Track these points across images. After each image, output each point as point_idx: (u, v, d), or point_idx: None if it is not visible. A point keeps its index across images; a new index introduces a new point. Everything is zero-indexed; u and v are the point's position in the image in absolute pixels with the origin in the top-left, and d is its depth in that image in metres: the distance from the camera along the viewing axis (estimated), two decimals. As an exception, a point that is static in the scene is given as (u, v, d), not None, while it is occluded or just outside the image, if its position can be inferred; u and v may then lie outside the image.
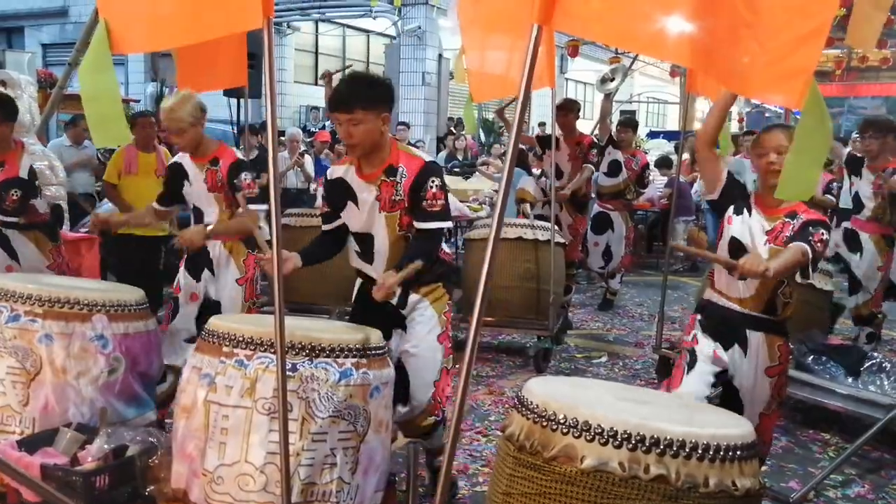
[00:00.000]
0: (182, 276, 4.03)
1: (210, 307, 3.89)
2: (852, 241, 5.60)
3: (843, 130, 41.55)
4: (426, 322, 3.13)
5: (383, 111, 2.99)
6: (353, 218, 3.15)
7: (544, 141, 6.60)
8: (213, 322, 2.74)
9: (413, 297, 3.13)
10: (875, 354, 4.97)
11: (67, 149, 7.98)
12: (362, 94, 2.98)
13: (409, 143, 11.71)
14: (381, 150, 3.05)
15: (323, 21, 20.48)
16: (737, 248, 2.93)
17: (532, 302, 5.74)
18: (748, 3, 1.69)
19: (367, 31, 21.70)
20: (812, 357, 4.74)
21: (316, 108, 18.41)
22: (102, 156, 8.06)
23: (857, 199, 5.51)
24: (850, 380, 4.59)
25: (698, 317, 3.11)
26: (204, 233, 3.84)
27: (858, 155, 5.63)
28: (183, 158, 3.98)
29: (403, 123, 12.30)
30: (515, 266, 5.72)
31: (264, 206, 3.85)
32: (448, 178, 10.88)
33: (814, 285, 4.80)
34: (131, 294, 3.38)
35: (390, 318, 3.12)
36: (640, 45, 1.92)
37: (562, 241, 6.02)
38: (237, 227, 3.90)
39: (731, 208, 3.01)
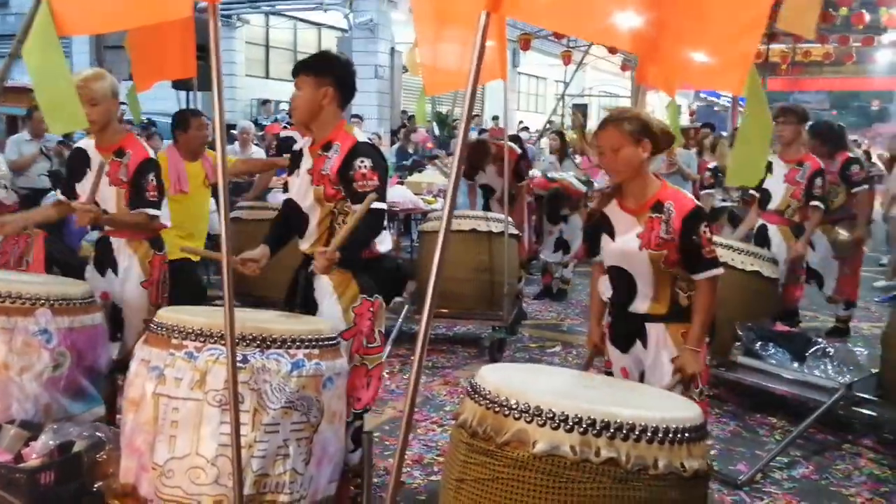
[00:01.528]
0: (89, 273, 3.79)
1: (113, 311, 3.66)
2: (761, 235, 5.49)
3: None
4: (328, 319, 2.98)
5: (324, 84, 3.01)
6: (293, 189, 3.17)
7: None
8: (162, 314, 2.69)
9: (324, 284, 3.05)
10: (819, 340, 5.08)
11: (27, 143, 7.76)
12: (307, 62, 3.13)
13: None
14: (324, 124, 3.07)
15: (273, 14, 20.29)
16: (618, 273, 2.88)
17: (486, 293, 5.76)
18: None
19: (318, 25, 21.57)
20: (759, 343, 4.83)
21: (267, 101, 18.24)
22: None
23: (765, 192, 5.41)
24: (795, 365, 4.70)
25: (607, 321, 3.02)
26: (96, 211, 3.48)
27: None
28: (87, 145, 3.72)
29: (357, 116, 12.23)
30: (469, 258, 5.74)
31: (160, 212, 3.67)
32: (401, 172, 10.95)
33: (761, 273, 4.90)
34: (76, 287, 3.30)
35: (309, 303, 3.09)
36: (588, 32, 1.94)
37: (515, 233, 6.05)
38: (128, 220, 3.65)
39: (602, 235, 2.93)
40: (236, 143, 9.66)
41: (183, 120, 4.96)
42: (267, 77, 21.15)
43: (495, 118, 20.02)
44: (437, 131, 16.08)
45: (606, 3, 1.79)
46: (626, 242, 2.81)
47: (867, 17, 13.65)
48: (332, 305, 3.04)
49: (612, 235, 2.87)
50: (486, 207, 6.88)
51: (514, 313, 6.08)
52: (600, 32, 1.83)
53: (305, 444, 2.57)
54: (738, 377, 4.86)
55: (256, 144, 10.10)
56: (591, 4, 1.80)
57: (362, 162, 2.96)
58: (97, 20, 2.16)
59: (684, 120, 29.11)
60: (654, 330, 2.83)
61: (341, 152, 3.01)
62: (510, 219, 5.87)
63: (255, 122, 17.20)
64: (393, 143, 14.37)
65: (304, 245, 3.16)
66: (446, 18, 4.79)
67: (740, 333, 4.86)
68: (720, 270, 2.80)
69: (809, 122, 5.67)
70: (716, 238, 5.19)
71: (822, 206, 5.33)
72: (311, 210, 3.10)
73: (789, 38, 17.50)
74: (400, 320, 5.65)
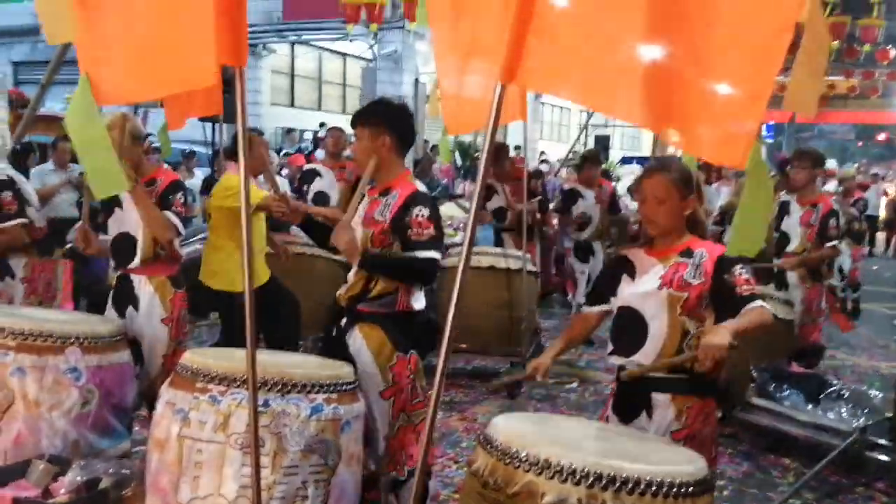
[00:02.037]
0: (108, 311, 3.86)
1: (131, 347, 3.68)
2: (779, 277, 5.50)
3: (814, 153, 41.73)
4: (367, 379, 3.02)
5: (380, 133, 3.06)
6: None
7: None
8: (188, 357, 2.80)
9: (358, 341, 3.08)
10: (834, 382, 5.12)
11: (51, 173, 7.94)
12: (363, 112, 3.21)
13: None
14: (385, 172, 3.11)
15: (299, 43, 20.62)
16: (629, 315, 2.70)
17: (505, 329, 5.84)
18: (697, 69, 1.81)
19: (343, 54, 21.89)
20: (774, 385, 4.87)
21: (292, 130, 18.51)
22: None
23: (783, 235, 5.45)
24: (809, 407, 4.73)
25: (613, 387, 2.87)
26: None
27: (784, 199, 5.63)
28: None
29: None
30: (488, 294, 5.82)
31: (182, 227, 3.78)
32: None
33: (775, 314, 4.93)
34: (105, 325, 3.42)
35: (343, 350, 3.12)
36: (599, 103, 2.03)
37: (534, 269, 6.12)
38: (153, 211, 3.68)
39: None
40: (260, 175, 9.86)
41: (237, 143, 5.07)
42: (292, 106, 21.46)
43: (517, 148, 20.19)
44: (459, 162, 16.22)
45: (616, 75, 1.88)
46: (646, 282, 2.68)
47: (892, 53, 13.67)
48: (369, 363, 3.06)
49: (632, 276, 2.74)
50: (498, 238, 6.93)
51: (533, 349, 6.14)
52: (611, 104, 1.92)
53: (323, 487, 2.65)
54: (753, 418, 4.89)
55: (279, 174, 10.27)
56: (602, 78, 1.89)
57: (420, 210, 2.98)
58: (132, 90, 2.29)
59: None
60: (662, 403, 2.63)
61: (399, 199, 3.03)
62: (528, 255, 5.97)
63: (279, 151, 17.50)
64: (415, 173, 14.56)
65: (342, 291, 3.18)
66: (468, 55, 4.90)
67: (755, 374, 4.90)
68: (761, 304, 2.56)
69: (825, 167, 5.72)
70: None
71: (835, 245, 5.37)
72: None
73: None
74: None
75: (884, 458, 4.39)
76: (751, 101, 1.78)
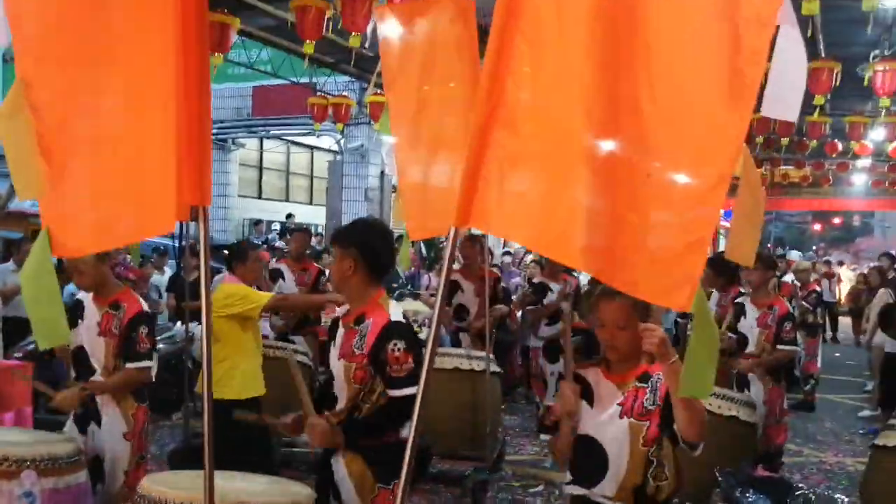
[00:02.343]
0: (68, 428, 3.83)
1: (93, 463, 3.65)
2: (739, 379, 5.58)
3: (773, 237, 42.97)
4: None
5: (349, 255, 2.96)
6: (331, 360, 3.06)
7: None
8: (145, 486, 2.74)
9: (342, 471, 2.96)
10: (801, 486, 5.11)
11: (12, 274, 7.89)
12: (336, 233, 3.13)
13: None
14: (355, 295, 3.00)
15: (268, 138, 20.94)
16: (588, 444, 2.65)
17: (468, 432, 5.78)
18: (640, 216, 1.89)
19: (311, 147, 22.23)
20: (739, 490, 4.85)
21: (259, 221, 18.60)
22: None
23: (742, 336, 5.57)
24: (776, 512, 4.71)
25: None
26: (79, 395, 3.67)
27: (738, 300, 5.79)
28: (85, 297, 3.88)
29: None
30: (452, 396, 5.79)
31: (151, 363, 3.76)
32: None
33: (738, 417, 4.97)
34: (63, 446, 3.35)
35: (330, 483, 3.01)
36: (548, 248, 2.10)
37: (497, 370, 6.12)
38: (118, 383, 3.74)
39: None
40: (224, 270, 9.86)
41: (241, 252, 5.08)
42: (260, 197, 21.63)
43: (484, 236, 20.41)
44: (424, 252, 16.35)
45: (563, 221, 1.96)
46: (605, 410, 2.62)
47: (839, 145, 14.23)
48: (352, 496, 2.95)
49: (590, 402, 2.67)
50: (455, 336, 6.81)
51: (497, 451, 6.08)
52: (558, 250, 1.99)
53: None
54: (719, 525, 4.86)
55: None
56: (549, 223, 1.97)
57: (395, 344, 2.84)
58: (89, 241, 2.32)
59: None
60: None
61: (373, 330, 2.89)
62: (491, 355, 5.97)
63: (247, 242, 17.55)
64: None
65: (329, 414, 3.01)
66: (432, 152, 4.99)
67: (720, 479, 4.88)
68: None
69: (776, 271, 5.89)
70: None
71: (790, 349, 5.47)
72: (340, 389, 3.00)
73: (767, 161, 18.20)
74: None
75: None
76: (694, 246, 1.86)
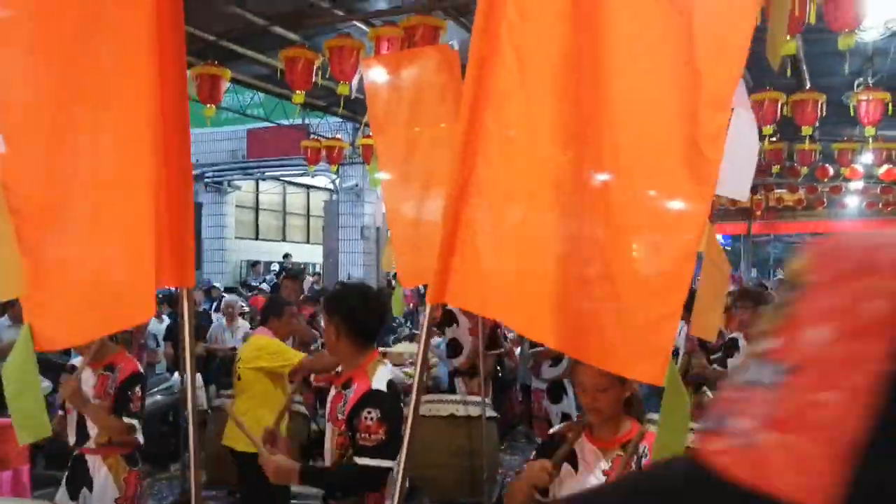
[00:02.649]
0: (60, 495, 3.83)
1: None
2: None
3: (773, 258, 42.91)
4: None
5: (332, 321, 2.99)
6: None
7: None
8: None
9: None
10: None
11: (8, 329, 7.90)
12: (326, 296, 3.25)
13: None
14: (345, 360, 3.04)
15: (264, 179, 21.05)
16: None
17: (466, 479, 5.77)
18: (612, 292, 1.92)
19: (307, 187, 22.34)
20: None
21: (256, 263, 18.63)
22: None
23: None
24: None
25: None
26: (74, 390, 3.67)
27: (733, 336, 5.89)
28: (79, 362, 3.89)
29: (340, 284, 12.48)
30: (449, 443, 5.79)
31: (137, 424, 3.78)
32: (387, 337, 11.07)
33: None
34: None
35: None
36: (521, 325, 2.12)
37: (494, 415, 6.12)
38: (109, 422, 3.73)
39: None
40: (223, 316, 9.86)
41: (277, 307, 5.10)
42: (257, 238, 21.68)
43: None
44: (421, 289, 16.38)
45: (534, 298, 1.98)
46: (588, 478, 2.55)
47: (830, 170, 14.31)
48: None
49: (574, 466, 2.60)
50: (451, 381, 6.69)
51: (496, 496, 6.06)
52: (530, 326, 2.02)
53: None
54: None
55: (242, 315, 10.28)
56: (521, 299, 2.00)
57: (370, 413, 2.81)
58: (72, 334, 2.35)
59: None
60: None
61: (354, 396, 2.89)
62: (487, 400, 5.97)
63: (244, 284, 17.55)
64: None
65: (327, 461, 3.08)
66: (423, 192, 5.01)
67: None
68: None
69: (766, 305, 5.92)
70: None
71: None
72: (327, 451, 3.02)
73: (760, 186, 18.30)
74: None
75: None
76: (664, 320, 1.89)
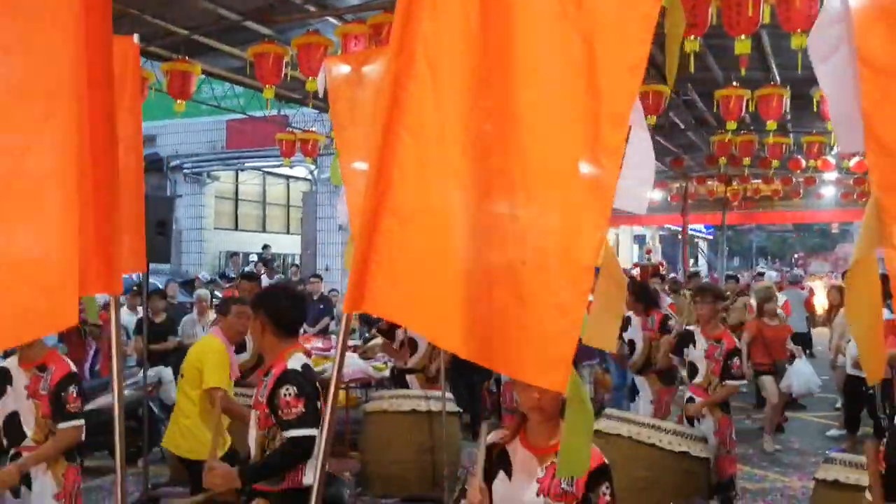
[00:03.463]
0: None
1: None
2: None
3: (755, 247, 43.02)
4: None
5: (258, 317, 3.36)
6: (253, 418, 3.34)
7: None
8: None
9: None
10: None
11: None
12: (252, 297, 3.55)
13: (322, 294, 11.92)
14: (268, 352, 3.37)
15: (243, 170, 20.98)
16: None
17: (429, 475, 5.83)
18: (517, 302, 1.96)
19: (286, 177, 22.29)
20: (692, 524, 4.92)
21: (235, 253, 18.59)
22: None
23: (692, 365, 5.72)
24: (728, 546, 4.77)
25: None
26: (15, 473, 3.66)
27: (689, 328, 5.97)
28: (10, 364, 3.88)
29: (316, 276, 12.51)
30: (410, 438, 5.85)
31: (81, 422, 3.80)
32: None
33: (689, 453, 5.03)
34: None
35: None
36: (434, 334, 2.16)
37: (456, 410, 6.17)
38: (49, 450, 3.75)
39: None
40: (195, 310, 9.85)
41: (224, 306, 5.07)
42: (236, 229, 21.64)
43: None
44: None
45: (443, 306, 2.02)
46: (523, 485, 2.57)
47: (803, 162, 14.43)
48: None
49: (508, 474, 2.62)
50: (401, 380, 6.66)
51: (458, 492, 6.11)
52: (442, 334, 2.06)
53: None
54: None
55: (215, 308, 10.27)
56: (432, 307, 2.04)
57: (287, 390, 3.12)
58: None
59: (640, 257, 29.55)
60: None
61: (273, 379, 3.19)
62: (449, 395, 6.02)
63: (223, 275, 17.51)
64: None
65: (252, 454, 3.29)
66: None
67: (673, 516, 4.95)
68: None
69: (725, 302, 6.02)
70: (638, 418, 5.39)
71: (736, 384, 5.54)
72: (252, 438, 3.27)
73: (736, 178, 18.42)
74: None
75: None
76: (564, 333, 1.92)
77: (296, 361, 3.26)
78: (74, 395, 3.80)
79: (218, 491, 3.13)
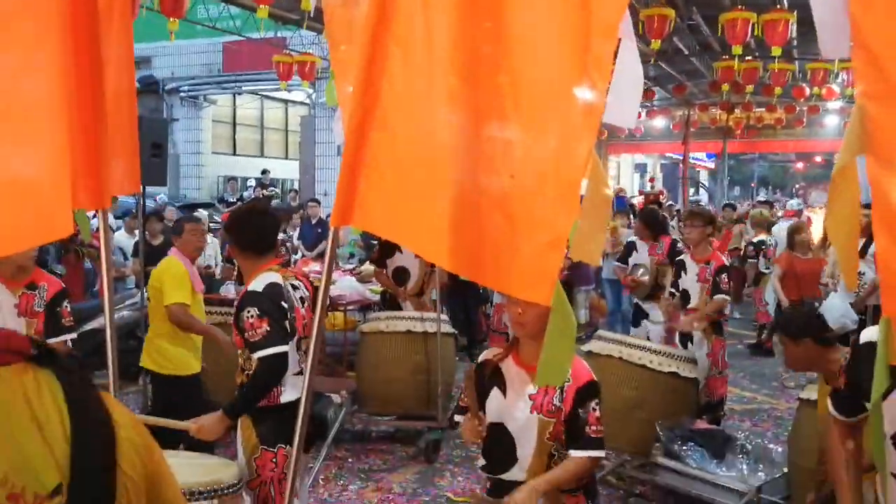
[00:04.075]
0: None
1: None
2: (683, 334, 5.84)
3: (757, 177, 42.88)
4: (242, 468, 3.16)
5: (232, 238, 3.43)
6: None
7: None
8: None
9: (238, 428, 3.22)
10: (738, 437, 5.31)
11: None
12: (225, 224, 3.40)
13: (320, 219, 11.91)
14: (245, 271, 3.38)
15: (240, 93, 20.71)
16: (500, 433, 2.66)
17: (423, 394, 5.94)
18: (505, 215, 1.96)
19: (285, 101, 22.03)
20: (679, 443, 5.03)
21: (233, 178, 18.53)
22: None
23: (684, 293, 5.76)
24: (714, 464, 4.88)
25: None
26: None
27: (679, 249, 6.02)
28: None
29: (314, 200, 12.49)
30: (407, 359, 5.93)
31: (73, 335, 3.89)
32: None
33: (678, 373, 5.11)
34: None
35: None
36: (422, 248, 2.16)
37: (451, 331, 6.24)
38: None
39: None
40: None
41: (177, 226, 5.17)
42: (234, 153, 21.50)
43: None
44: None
45: (434, 221, 2.03)
46: (517, 403, 2.63)
47: (807, 90, 14.23)
48: (241, 455, 3.21)
49: (503, 390, 2.68)
50: (393, 303, 6.64)
51: (452, 411, 6.22)
52: (430, 250, 2.06)
53: None
54: (659, 478, 5.05)
55: (212, 232, 10.28)
56: (423, 222, 2.04)
57: (248, 312, 3.12)
58: None
59: (641, 185, 29.46)
60: None
61: (238, 300, 3.25)
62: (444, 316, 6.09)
63: (221, 199, 17.48)
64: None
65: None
66: None
67: (660, 433, 5.05)
68: (601, 454, 2.65)
69: (714, 223, 6.04)
70: (630, 339, 5.46)
71: (724, 297, 5.60)
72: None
73: (738, 105, 18.21)
74: (338, 422, 5.77)
75: (778, 515, 4.58)
76: (553, 244, 1.93)
77: (259, 282, 3.21)
78: (68, 310, 3.91)
79: (212, 437, 3.15)
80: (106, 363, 2.35)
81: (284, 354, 3.10)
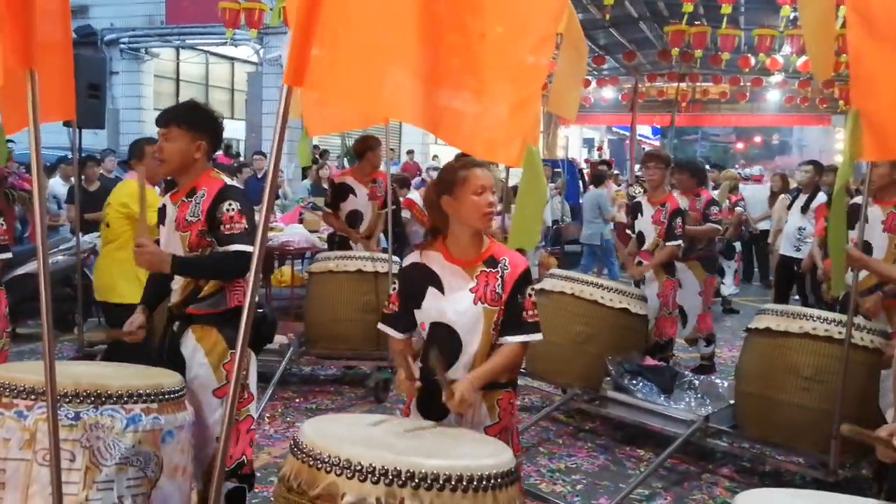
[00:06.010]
0: None
1: None
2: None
3: (699, 156, 43.94)
4: (201, 379, 3.07)
5: (199, 138, 3.12)
6: (163, 241, 3.20)
7: None
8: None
9: (191, 341, 3.11)
10: (686, 373, 5.36)
11: None
12: (182, 114, 3.19)
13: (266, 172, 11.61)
14: (193, 174, 3.15)
15: (184, 48, 20.10)
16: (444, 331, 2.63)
17: (373, 334, 5.81)
18: (474, 74, 1.87)
19: (230, 58, 21.48)
20: (628, 377, 5.05)
21: (176, 136, 18.00)
22: None
23: (640, 234, 5.78)
24: (662, 398, 4.92)
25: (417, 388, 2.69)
26: None
27: (637, 199, 6.03)
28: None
29: (260, 153, 12.22)
30: (357, 298, 5.81)
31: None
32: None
33: (629, 309, 5.11)
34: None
35: (176, 359, 3.11)
36: (384, 107, 2.06)
37: (400, 271, 6.12)
38: None
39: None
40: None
41: (138, 149, 4.88)
42: (177, 110, 20.90)
43: (410, 152, 20.25)
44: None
45: (397, 80, 1.92)
46: (458, 298, 2.61)
47: (752, 60, 14.41)
48: (202, 363, 3.08)
49: (440, 289, 2.64)
50: (342, 247, 6.41)
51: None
52: (392, 107, 1.96)
53: (143, 500, 2.58)
54: (609, 411, 5.07)
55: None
56: (382, 82, 1.93)
57: (230, 205, 3.03)
58: None
59: (590, 155, 29.76)
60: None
61: (208, 196, 3.06)
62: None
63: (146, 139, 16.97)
64: (304, 177, 14.34)
65: (174, 299, 3.19)
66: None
67: (610, 368, 5.07)
68: (538, 336, 2.65)
69: (672, 165, 6.01)
70: (582, 276, 5.45)
71: (678, 244, 5.59)
72: (178, 254, 3.11)
73: (686, 76, 18.40)
74: (284, 362, 5.65)
75: (725, 444, 4.64)
76: (524, 104, 1.86)
77: (230, 179, 3.18)
78: (3, 228, 3.74)
79: (147, 267, 3.07)
80: (39, 311, 2.12)
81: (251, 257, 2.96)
